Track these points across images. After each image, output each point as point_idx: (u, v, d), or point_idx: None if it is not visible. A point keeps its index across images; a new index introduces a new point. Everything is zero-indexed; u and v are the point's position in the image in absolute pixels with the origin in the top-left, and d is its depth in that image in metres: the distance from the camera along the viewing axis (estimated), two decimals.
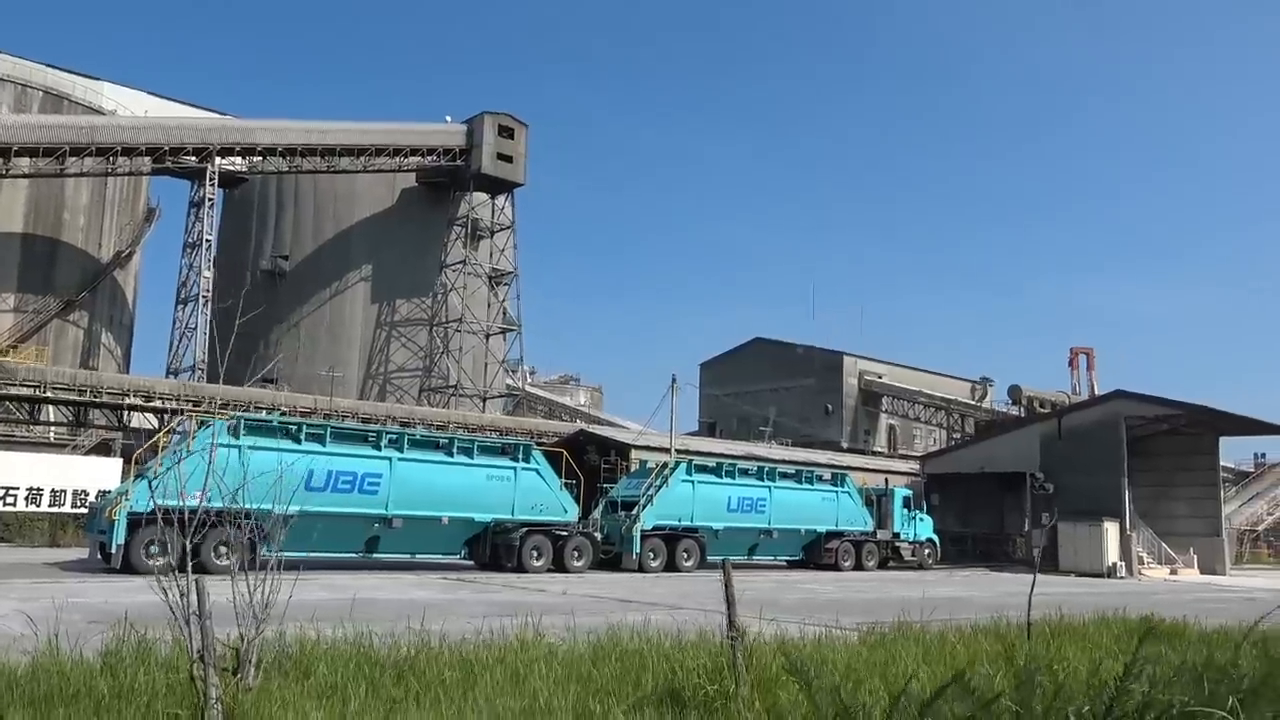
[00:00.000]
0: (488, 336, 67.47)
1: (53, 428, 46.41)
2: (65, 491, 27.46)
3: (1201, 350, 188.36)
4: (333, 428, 24.73)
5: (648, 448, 41.01)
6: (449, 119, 67.05)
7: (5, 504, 26.74)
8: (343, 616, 9.55)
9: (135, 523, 20.19)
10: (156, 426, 41.95)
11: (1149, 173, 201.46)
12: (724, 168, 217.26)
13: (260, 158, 59.87)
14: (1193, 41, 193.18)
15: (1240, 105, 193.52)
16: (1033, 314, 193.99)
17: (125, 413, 41.60)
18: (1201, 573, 39.56)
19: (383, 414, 48.47)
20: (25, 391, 41.14)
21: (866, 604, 18.05)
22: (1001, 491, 43.16)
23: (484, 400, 66.16)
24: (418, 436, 26.30)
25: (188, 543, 5.76)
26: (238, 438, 21.74)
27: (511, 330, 69.49)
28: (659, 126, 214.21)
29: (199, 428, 22.01)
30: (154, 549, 20.01)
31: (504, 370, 69.59)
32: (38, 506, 26.65)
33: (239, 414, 24.56)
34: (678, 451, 37.82)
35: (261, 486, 22.38)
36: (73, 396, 41.72)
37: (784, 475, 34.19)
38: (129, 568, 19.96)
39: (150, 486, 19.21)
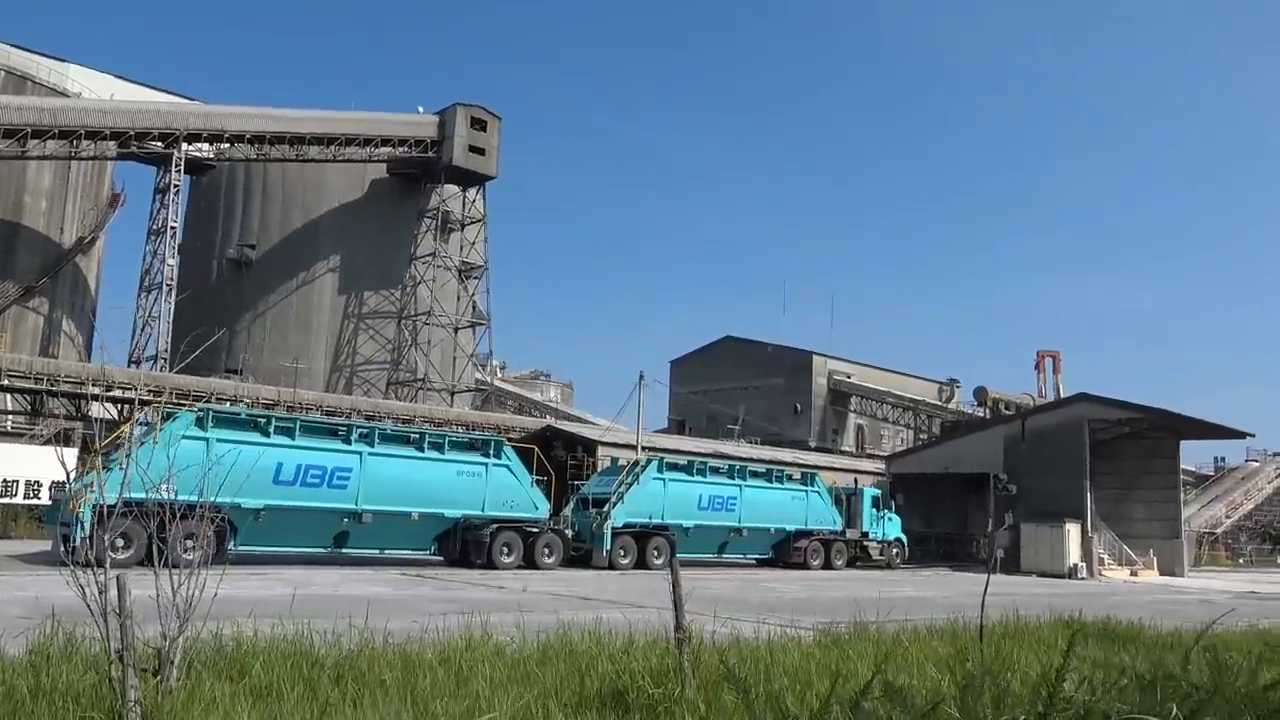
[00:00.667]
0: (456, 330, 67.00)
1: (9, 416, 45.55)
2: (17, 482, 26.89)
3: (1168, 353, 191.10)
4: (302, 421, 24.53)
5: (615, 444, 40.87)
6: (421, 110, 66.52)
7: None
8: (291, 613, 9.33)
9: (101, 516, 19.63)
10: (116, 416, 41.32)
11: (1120, 174, 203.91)
12: (697, 161, 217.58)
13: (228, 144, 58.99)
14: (1150, 41, 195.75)
15: (1205, 105, 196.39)
16: (1001, 316, 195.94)
17: (84, 402, 40.83)
18: (1161, 574, 40.02)
19: (348, 406, 48.01)
20: None
21: (827, 604, 18.01)
22: (966, 492, 43.46)
23: (452, 394, 65.70)
24: (388, 431, 26.13)
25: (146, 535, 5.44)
26: (205, 430, 21.65)
27: (481, 324, 69.06)
28: (633, 120, 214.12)
29: (165, 420, 21.75)
30: (120, 541, 19.55)
31: (473, 364, 69.17)
32: None
33: (207, 406, 24.37)
34: (645, 449, 37.70)
35: (229, 479, 22.45)
36: (29, 385, 40.92)
37: (755, 474, 34.30)
38: (101, 561, 19.42)
39: (119, 480, 18.65)
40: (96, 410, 44.16)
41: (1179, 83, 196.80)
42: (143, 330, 58.21)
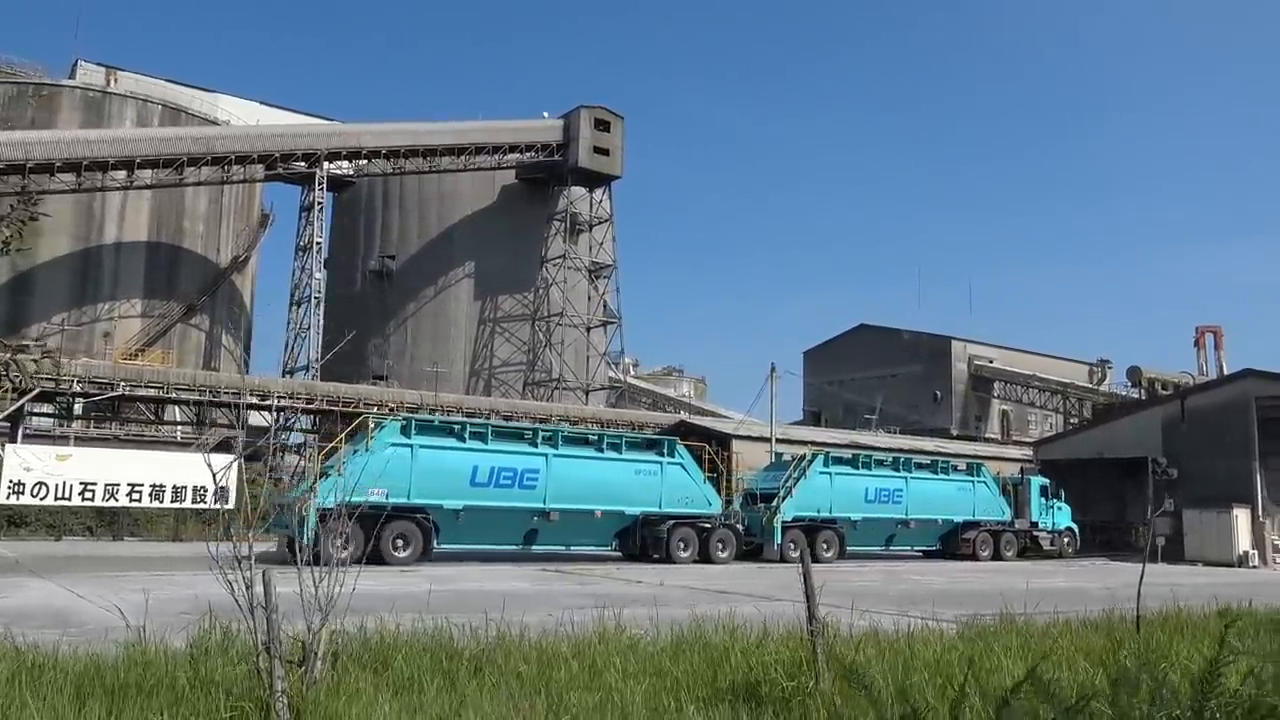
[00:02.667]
0: (589, 329, 67.90)
1: (179, 427, 48.66)
2: (185, 488, 28.63)
3: None
4: (493, 426, 26.00)
5: (748, 438, 40.67)
6: (545, 115, 67.72)
7: (131, 500, 28.04)
8: (432, 609, 9.61)
9: (324, 518, 21.22)
10: (271, 424, 43.56)
11: (1270, 136, 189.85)
12: (820, 149, 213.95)
13: (365, 160, 61.52)
14: None
15: None
16: (1154, 291, 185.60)
17: (243, 411, 43.26)
18: None
19: (486, 408, 49.24)
20: (150, 393, 43.15)
21: (973, 595, 17.36)
22: (1121, 478, 41.26)
23: (587, 393, 66.65)
24: (570, 433, 27.21)
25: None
26: (409, 438, 23.14)
27: (612, 323, 69.81)
28: (754, 114, 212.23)
29: (375, 429, 23.25)
30: (339, 543, 20.99)
31: (605, 363, 69.97)
32: (160, 502, 27.89)
33: (408, 415, 25.90)
34: (778, 440, 37.39)
35: (432, 482, 23.49)
36: (193, 397, 43.59)
37: (920, 465, 34.38)
38: (318, 562, 20.90)
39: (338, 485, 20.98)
40: (255, 419, 46.77)
41: None
42: (295, 341, 61.28)
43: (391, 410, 40.45)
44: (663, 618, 10.20)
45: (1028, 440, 63.23)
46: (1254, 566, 33.80)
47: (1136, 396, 63.89)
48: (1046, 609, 11.53)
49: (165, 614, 9.73)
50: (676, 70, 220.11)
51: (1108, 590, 18.23)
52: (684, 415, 48.83)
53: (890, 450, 40.77)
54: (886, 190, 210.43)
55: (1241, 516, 34.65)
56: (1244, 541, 34.51)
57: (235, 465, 28.76)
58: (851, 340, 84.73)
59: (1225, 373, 60.96)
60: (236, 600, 5.61)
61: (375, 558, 22.15)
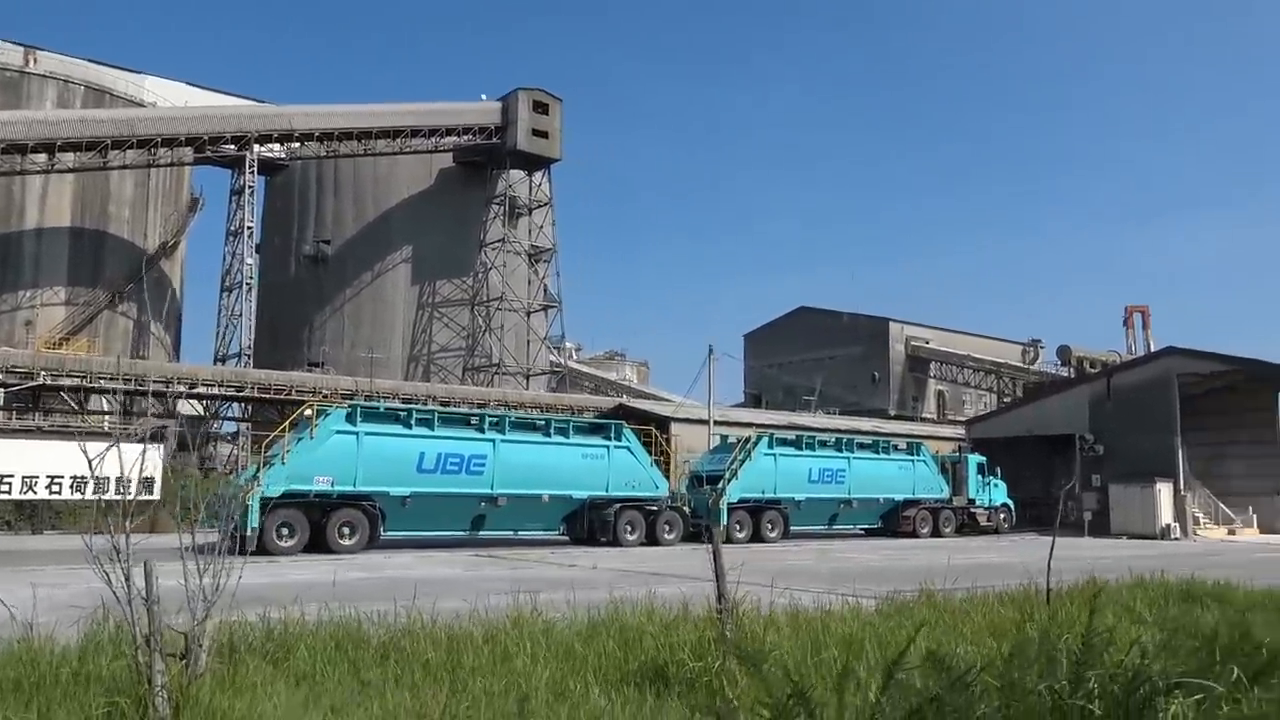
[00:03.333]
0: (529, 314, 67.49)
1: (105, 417, 47.32)
2: (109, 479, 27.74)
3: (1265, 302, 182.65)
4: (439, 413, 25.77)
5: (687, 420, 40.74)
6: (484, 97, 66.94)
7: (51, 492, 27.20)
8: (362, 596, 9.38)
9: (266, 507, 21.55)
10: (202, 413, 42.59)
11: (1192, 115, 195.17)
12: (761, 133, 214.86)
13: (298, 144, 60.31)
14: None
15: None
16: (1087, 271, 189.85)
17: (172, 400, 42.18)
18: (1261, 532, 38.27)
19: (423, 393, 48.73)
20: (72, 382, 41.86)
21: (903, 572, 17.54)
22: (1051, 455, 42.12)
23: (527, 377, 66.29)
24: (516, 419, 27.35)
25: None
26: (355, 425, 23.01)
27: (552, 307, 69.43)
28: (695, 94, 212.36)
29: (320, 416, 23.08)
30: (284, 531, 21.70)
31: (546, 347, 69.58)
32: (82, 494, 27.06)
33: (354, 402, 25.75)
34: (717, 423, 37.48)
35: (379, 469, 22.81)
36: (119, 386, 42.39)
37: (861, 446, 34.95)
38: (263, 550, 21.11)
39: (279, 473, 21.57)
40: (186, 408, 45.67)
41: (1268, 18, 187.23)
42: (227, 328, 59.92)
43: (326, 397, 39.81)
44: (589, 600, 10.08)
45: (962, 420, 64.28)
46: (1176, 539, 34.76)
47: (1066, 375, 65.29)
48: (969, 583, 11.64)
49: (63, 608, 9.36)
50: (617, 53, 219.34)
51: (1031, 564, 18.56)
52: (624, 399, 48.76)
53: (828, 431, 41.07)
54: (827, 173, 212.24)
55: (1164, 490, 35.59)
56: (1166, 514, 35.46)
57: (159, 455, 28.16)
58: (791, 323, 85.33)
59: (1153, 351, 62.51)
60: (114, 592, 5.35)
61: (321, 545, 22.24)
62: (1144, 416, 37.16)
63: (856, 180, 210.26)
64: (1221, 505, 39.20)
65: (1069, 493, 38.83)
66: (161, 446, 28.85)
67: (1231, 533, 37.97)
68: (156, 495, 25.87)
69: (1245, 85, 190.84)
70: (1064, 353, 72.78)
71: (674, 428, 39.46)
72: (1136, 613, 8.55)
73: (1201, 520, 37.98)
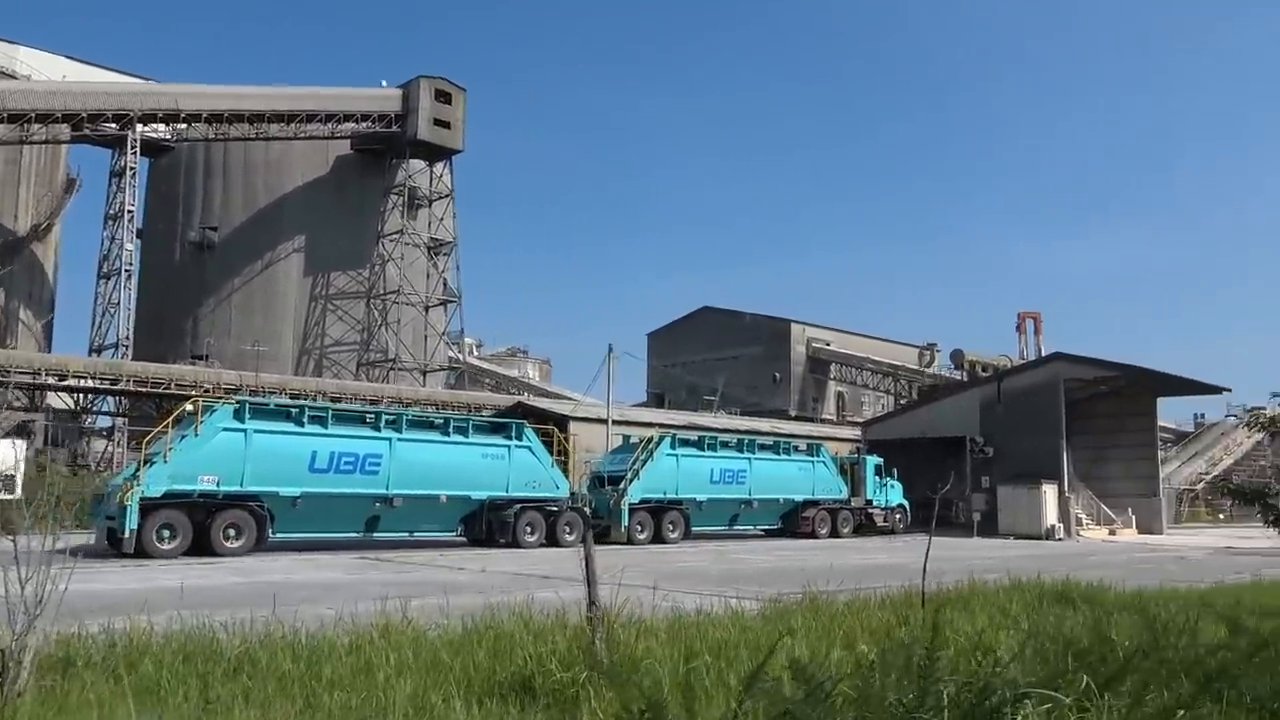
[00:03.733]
0: (427, 308, 66.43)
1: None
2: None
3: (1150, 309, 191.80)
4: (334, 410, 25.42)
5: (586, 419, 40.59)
6: (384, 84, 65.63)
7: None
8: (225, 604, 8.96)
9: (146, 507, 21.06)
10: (73, 406, 40.61)
11: (1068, 122, 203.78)
12: (667, 130, 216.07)
13: (185, 124, 58.06)
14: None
15: (1166, 43, 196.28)
16: (979, 277, 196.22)
17: (40, 392, 40.06)
18: (1139, 532, 40.06)
19: (311, 389, 47.45)
20: None
21: (795, 573, 17.69)
22: (944, 456, 43.21)
23: (424, 374, 65.24)
24: (414, 417, 27.04)
25: None
26: (243, 422, 22.59)
27: (452, 302, 68.47)
28: (602, 90, 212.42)
29: (206, 412, 22.48)
30: (165, 533, 21.25)
31: (444, 343, 68.54)
32: None
33: (243, 398, 25.31)
34: (615, 422, 37.47)
35: (268, 468, 22.53)
36: None
37: (763, 446, 35.34)
38: (142, 553, 20.63)
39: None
40: (55, 401, 43.48)
41: (1162, 42, 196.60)
42: (103, 317, 57.27)
43: (208, 392, 38.41)
44: (469, 606, 9.84)
45: (861, 421, 65.69)
46: (1059, 539, 36.08)
47: (959, 379, 67.28)
48: (855, 585, 11.78)
49: None
50: (524, 47, 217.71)
51: (920, 564, 19.03)
52: (524, 397, 48.36)
53: (729, 431, 41.55)
54: (733, 173, 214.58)
55: (1049, 492, 36.90)
56: (1051, 515, 36.78)
57: (21, 450, 26.77)
58: (695, 322, 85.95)
59: (1043, 356, 64.84)
60: None
61: (206, 548, 21.65)
62: (1032, 419, 38.47)
63: (763, 181, 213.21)
64: (1103, 506, 40.87)
65: (960, 494, 40.11)
66: (24, 441, 27.38)
67: (1112, 533, 39.62)
68: (18, 493, 24.58)
69: (1143, 86, 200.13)
70: (957, 356, 75.02)
71: (573, 427, 39.28)
72: (1013, 615, 8.73)
73: (1084, 521, 39.51)
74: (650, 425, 41.55)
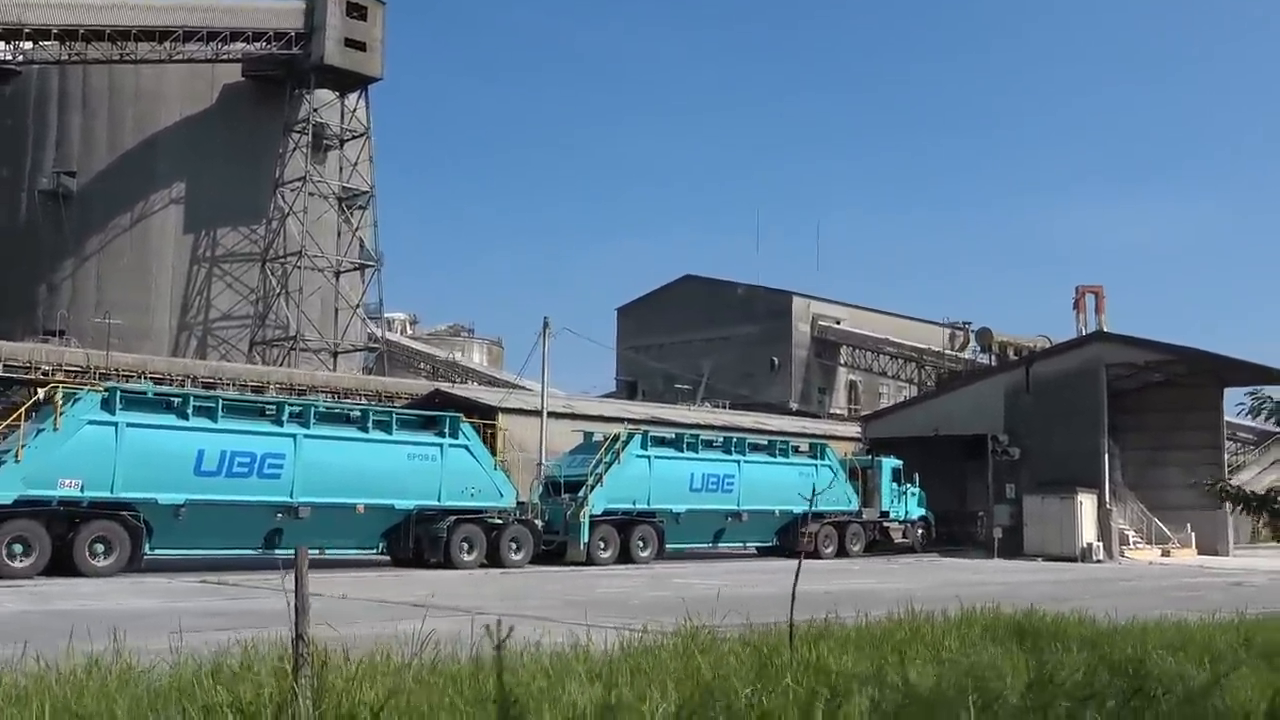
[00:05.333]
0: (338, 274, 65.93)
1: None
2: None
3: (1230, 287, 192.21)
4: (225, 400, 25.49)
5: (520, 411, 40.11)
6: None
7: None
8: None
9: None
10: None
11: (1139, 80, 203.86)
12: (642, 67, 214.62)
13: (30, 43, 57.52)
14: None
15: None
16: (1033, 247, 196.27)
17: None
18: (1200, 553, 39.89)
19: (178, 371, 46.92)
20: None
21: (735, 601, 17.25)
22: (963, 458, 43.04)
23: (334, 355, 64.78)
24: (326, 409, 27.20)
25: None
26: (113, 413, 22.55)
27: (370, 266, 67.84)
28: (563, 18, 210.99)
29: (67, 402, 22.48)
30: (17, 548, 21.15)
31: (359, 317, 67.88)
32: None
33: (114, 385, 25.18)
34: (551, 415, 37.06)
35: (144, 471, 22.55)
36: None
37: (755, 447, 35.50)
38: None
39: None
40: None
41: None
42: None
43: (46, 375, 37.92)
44: (257, 639, 9.38)
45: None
46: (1098, 560, 35.81)
47: (987, 363, 66.93)
48: (773, 618, 11.27)
49: None
50: None
51: (904, 592, 18.59)
52: (441, 385, 47.83)
53: (711, 428, 41.42)
54: (724, 117, 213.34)
55: (1087, 503, 36.61)
56: (1088, 532, 36.50)
57: None
58: (675, 294, 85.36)
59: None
60: None
61: (70, 566, 21.44)
62: (1068, 414, 38.15)
63: (760, 127, 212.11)
64: (1156, 521, 40.64)
65: (986, 505, 39.87)
66: None
67: (1166, 553, 39.42)
68: None
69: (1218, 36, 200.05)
70: (984, 336, 73.89)
71: (502, 419, 38.72)
72: (906, 657, 8.27)
73: (1132, 539, 39.28)
74: (605, 419, 41.13)
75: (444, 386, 46.89)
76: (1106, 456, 38.02)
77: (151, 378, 41.41)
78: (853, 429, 54.26)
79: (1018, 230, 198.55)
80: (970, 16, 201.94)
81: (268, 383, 47.29)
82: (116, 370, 43.17)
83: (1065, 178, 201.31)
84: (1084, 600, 18.54)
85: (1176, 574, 30.90)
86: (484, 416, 39.18)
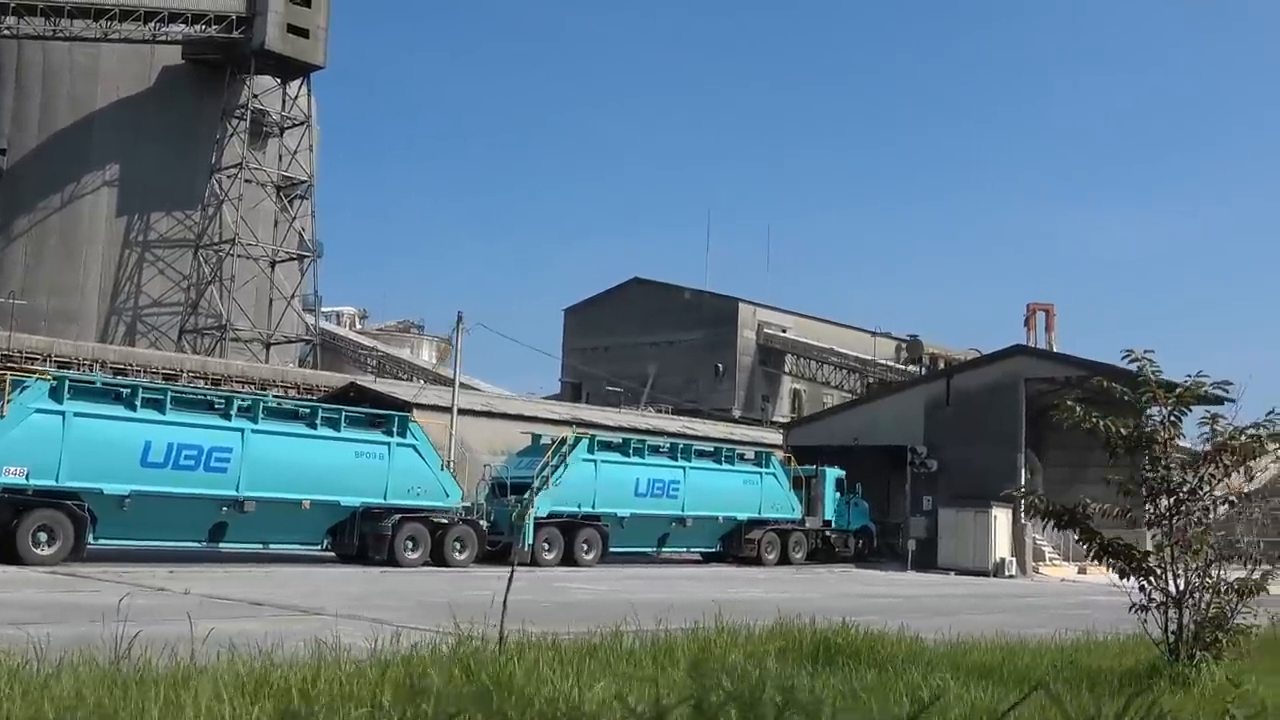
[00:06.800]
0: (274, 264, 65.22)
1: None
2: None
3: (1187, 300, 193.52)
4: (174, 392, 25.98)
5: (435, 407, 39.54)
6: None
7: None
8: None
9: None
10: None
11: (1098, 77, 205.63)
12: (601, 56, 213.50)
13: None
14: None
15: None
16: (988, 265, 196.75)
17: None
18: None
19: (87, 356, 46.05)
20: None
21: (591, 608, 16.81)
22: (886, 469, 42.70)
23: (267, 347, 64.00)
24: (274, 405, 27.63)
25: None
26: (60, 402, 22.80)
27: (307, 257, 67.08)
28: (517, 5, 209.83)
29: (13, 389, 22.69)
30: None
31: (295, 310, 67.04)
32: None
33: (63, 374, 25.51)
34: (462, 412, 36.66)
35: (90, 461, 22.80)
36: None
37: (701, 454, 36.13)
38: None
39: None
40: None
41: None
42: None
43: None
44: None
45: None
46: (1010, 576, 35.51)
47: (916, 374, 66.81)
48: (636, 625, 10.77)
49: None
50: None
51: (794, 602, 18.12)
52: (358, 380, 47.08)
53: (649, 433, 41.67)
54: (683, 111, 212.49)
55: (1001, 518, 36.28)
56: (1002, 547, 36.21)
57: None
58: (622, 297, 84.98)
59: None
60: None
61: (12, 555, 21.57)
62: (987, 427, 37.87)
63: (716, 122, 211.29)
64: (1074, 538, 40.38)
65: (907, 523, 39.55)
66: None
67: (1082, 570, 38.86)
68: None
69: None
70: (915, 348, 73.88)
71: (417, 415, 38.05)
72: (649, 676, 7.67)
73: (1048, 555, 39.01)
74: (520, 418, 40.78)
75: (360, 380, 46.25)
76: (1025, 471, 37.75)
77: (55, 361, 40.57)
78: (773, 434, 53.86)
79: (977, 241, 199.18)
80: (935, 18, 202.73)
81: (181, 370, 46.44)
82: (20, 352, 42.25)
83: (1030, 192, 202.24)
84: (964, 615, 18.11)
85: (1082, 592, 30.54)
86: (398, 410, 38.63)
